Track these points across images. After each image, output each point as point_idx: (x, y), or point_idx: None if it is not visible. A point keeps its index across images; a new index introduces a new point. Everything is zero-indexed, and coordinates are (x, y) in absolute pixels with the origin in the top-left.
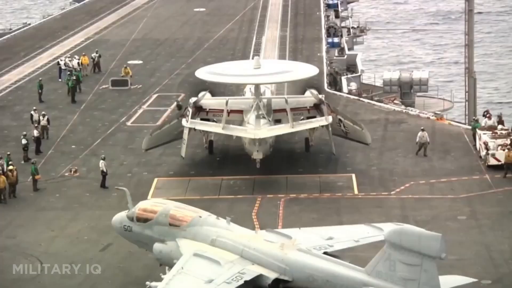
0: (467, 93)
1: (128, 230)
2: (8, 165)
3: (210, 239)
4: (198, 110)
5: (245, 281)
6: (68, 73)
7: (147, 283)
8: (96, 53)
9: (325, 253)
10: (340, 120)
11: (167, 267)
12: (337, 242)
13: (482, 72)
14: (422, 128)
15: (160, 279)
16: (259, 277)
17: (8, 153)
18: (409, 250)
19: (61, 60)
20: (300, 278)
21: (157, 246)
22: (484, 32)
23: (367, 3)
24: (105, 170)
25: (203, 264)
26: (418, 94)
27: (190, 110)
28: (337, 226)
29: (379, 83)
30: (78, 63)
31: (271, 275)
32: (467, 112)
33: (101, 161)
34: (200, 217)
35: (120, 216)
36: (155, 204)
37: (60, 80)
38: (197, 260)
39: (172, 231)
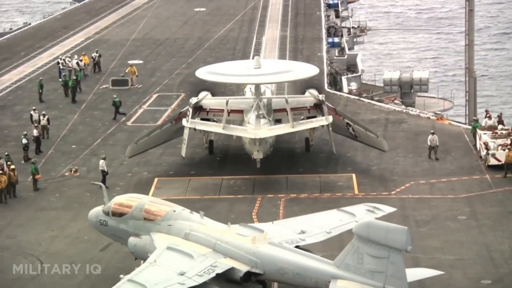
0: (467, 93)
1: (104, 225)
2: (7, 164)
3: (183, 233)
4: (199, 110)
5: (217, 274)
6: (64, 74)
7: (121, 276)
8: (96, 52)
9: (297, 247)
10: (348, 124)
11: (142, 261)
12: (309, 236)
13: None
14: (432, 131)
15: None
16: (231, 270)
17: (6, 153)
18: (376, 243)
19: (60, 60)
20: (271, 271)
21: (132, 240)
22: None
23: (367, 6)
24: (105, 169)
25: (176, 257)
26: (418, 94)
27: (191, 110)
28: (310, 215)
29: (379, 83)
30: (77, 62)
31: (243, 268)
32: (467, 112)
33: (102, 160)
34: (174, 211)
35: (96, 211)
36: (130, 198)
37: (60, 80)
38: (170, 253)
39: (147, 225)
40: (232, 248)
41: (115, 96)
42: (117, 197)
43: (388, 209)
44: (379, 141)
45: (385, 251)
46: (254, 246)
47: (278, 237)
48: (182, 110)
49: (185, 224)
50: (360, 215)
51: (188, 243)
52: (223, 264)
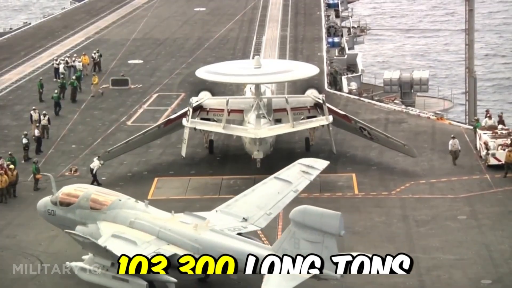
0: (467, 93)
1: (52, 214)
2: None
3: (128, 221)
4: (199, 110)
5: None
6: (62, 76)
7: (67, 263)
8: (97, 52)
9: (239, 234)
10: (362, 128)
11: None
12: (250, 223)
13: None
14: (452, 135)
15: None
16: (174, 256)
17: (10, 153)
18: (311, 228)
19: (55, 60)
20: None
21: (79, 229)
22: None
23: (367, 6)
24: (94, 169)
25: (120, 245)
26: (419, 93)
27: (191, 110)
28: (249, 192)
29: (379, 82)
30: (65, 66)
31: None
32: (467, 112)
33: (97, 161)
34: (120, 200)
35: (44, 201)
36: (77, 188)
37: (58, 80)
38: (115, 240)
39: (93, 214)
40: (175, 235)
41: (56, 92)
42: (65, 187)
43: (321, 165)
44: (407, 149)
45: (319, 236)
46: (196, 233)
47: (221, 225)
48: (170, 117)
49: (130, 213)
50: (297, 180)
51: (132, 230)
52: (166, 251)
